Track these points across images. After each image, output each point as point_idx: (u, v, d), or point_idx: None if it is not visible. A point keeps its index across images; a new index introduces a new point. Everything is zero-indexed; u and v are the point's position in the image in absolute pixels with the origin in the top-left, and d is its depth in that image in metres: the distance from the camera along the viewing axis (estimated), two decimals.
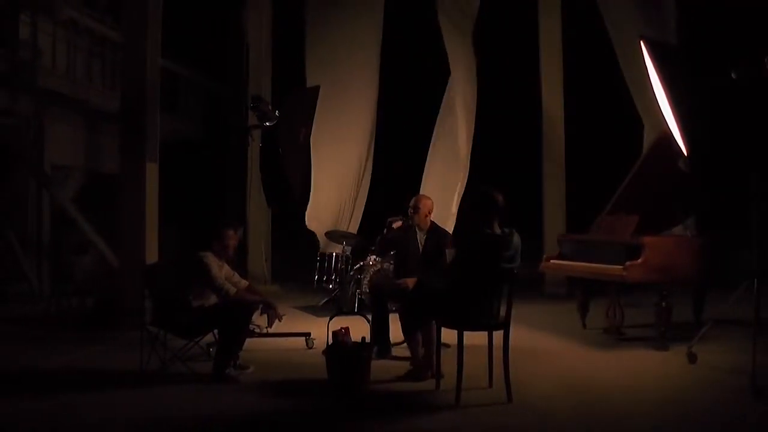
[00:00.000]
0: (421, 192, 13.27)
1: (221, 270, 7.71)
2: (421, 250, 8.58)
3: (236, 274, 8.03)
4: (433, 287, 7.58)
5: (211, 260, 7.60)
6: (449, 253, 8.84)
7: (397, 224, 8.18)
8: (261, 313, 7.64)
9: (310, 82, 14.37)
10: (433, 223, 8.74)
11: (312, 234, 14.44)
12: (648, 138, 13.03)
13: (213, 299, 7.59)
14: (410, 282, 8.06)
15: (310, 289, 13.17)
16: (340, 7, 14.66)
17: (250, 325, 7.88)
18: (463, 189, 13.66)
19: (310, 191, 14.20)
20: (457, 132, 13.68)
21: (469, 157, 13.75)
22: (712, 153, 8.63)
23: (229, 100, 19.89)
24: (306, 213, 14.32)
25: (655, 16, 12.76)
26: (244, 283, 8.01)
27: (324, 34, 14.67)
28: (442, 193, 13.66)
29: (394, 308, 8.14)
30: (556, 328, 10.14)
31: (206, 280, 7.52)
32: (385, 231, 9.17)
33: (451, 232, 10.16)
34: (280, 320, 7.71)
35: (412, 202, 8.67)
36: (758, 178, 7.03)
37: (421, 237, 8.63)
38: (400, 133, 15.34)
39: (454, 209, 13.60)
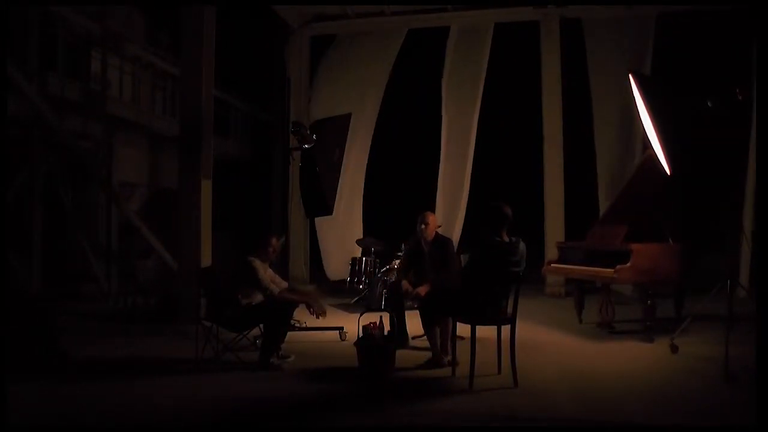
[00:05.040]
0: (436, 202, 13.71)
1: (266, 272, 7.77)
2: (428, 257, 8.62)
3: (278, 275, 8.09)
4: (445, 288, 7.68)
5: (258, 264, 7.65)
6: (463, 258, 8.91)
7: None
8: (311, 313, 7.67)
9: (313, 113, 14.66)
10: (436, 233, 8.78)
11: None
12: (601, 160, 13.71)
13: (259, 297, 7.64)
14: (422, 290, 8.13)
15: (343, 288, 13.22)
16: (356, 53, 14.91)
17: (291, 320, 7.94)
18: (466, 202, 14.09)
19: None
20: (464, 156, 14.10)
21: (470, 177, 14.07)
22: (691, 171, 8.66)
23: (273, 125, 20.04)
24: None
25: (631, 57, 13.00)
26: (284, 283, 8.04)
27: (336, 77, 14.96)
28: (452, 202, 13.93)
29: (415, 306, 8.19)
30: (556, 323, 10.14)
31: (254, 282, 7.58)
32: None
33: (458, 238, 10.34)
34: (323, 315, 7.75)
35: (421, 219, 8.70)
36: (732, 192, 7.09)
37: (426, 246, 8.66)
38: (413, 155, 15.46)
39: (461, 218, 13.91)
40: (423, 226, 8.60)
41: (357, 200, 15.00)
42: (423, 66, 15.19)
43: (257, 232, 8.10)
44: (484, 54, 14.18)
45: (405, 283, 8.40)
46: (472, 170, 14.30)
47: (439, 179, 14.50)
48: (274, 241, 7.92)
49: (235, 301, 7.59)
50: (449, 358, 7.19)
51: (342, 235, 14.75)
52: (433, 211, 9.58)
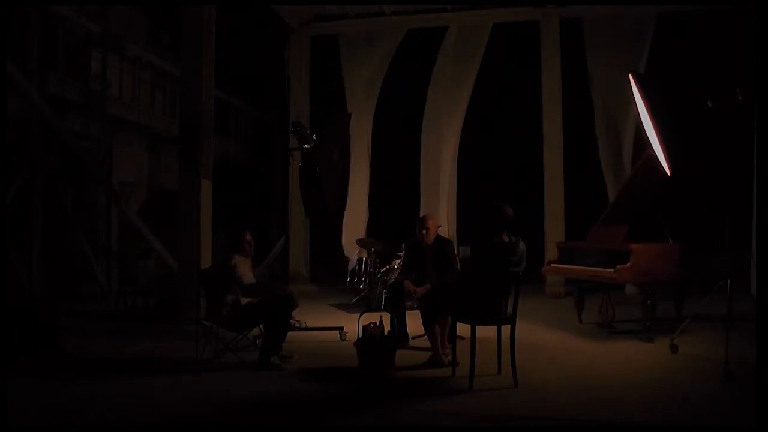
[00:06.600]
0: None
1: (245, 265, 7.83)
2: (429, 259, 8.63)
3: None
4: (447, 288, 7.69)
5: (237, 260, 7.67)
6: (463, 250, 8.90)
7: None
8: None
9: (350, 109, 14.61)
10: (437, 234, 8.80)
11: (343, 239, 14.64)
12: (603, 155, 13.68)
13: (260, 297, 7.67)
14: (421, 291, 8.16)
15: (343, 288, 13.21)
16: (366, 49, 14.89)
17: (291, 320, 7.94)
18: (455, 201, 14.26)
19: (343, 204, 14.40)
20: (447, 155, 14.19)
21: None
22: (691, 171, 8.65)
23: (273, 125, 20.05)
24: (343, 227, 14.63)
25: (631, 56, 13.03)
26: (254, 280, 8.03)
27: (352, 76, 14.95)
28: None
29: (415, 306, 8.21)
30: (555, 323, 10.14)
31: (234, 279, 7.58)
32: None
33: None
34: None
35: (420, 224, 8.71)
36: (729, 191, 7.08)
37: (428, 248, 8.68)
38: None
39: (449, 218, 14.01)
40: (423, 232, 8.62)
41: (361, 201, 14.87)
42: (423, 66, 15.17)
43: (233, 230, 8.08)
44: (479, 54, 14.18)
45: (408, 284, 8.41)
46: (473, 171, 14.30)
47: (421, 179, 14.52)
48: (247, 236, 7.93)
49: (235, 301, 7.59)
50: (449, 358, 7.19)
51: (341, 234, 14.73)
52: (429, 213, 9.57)
